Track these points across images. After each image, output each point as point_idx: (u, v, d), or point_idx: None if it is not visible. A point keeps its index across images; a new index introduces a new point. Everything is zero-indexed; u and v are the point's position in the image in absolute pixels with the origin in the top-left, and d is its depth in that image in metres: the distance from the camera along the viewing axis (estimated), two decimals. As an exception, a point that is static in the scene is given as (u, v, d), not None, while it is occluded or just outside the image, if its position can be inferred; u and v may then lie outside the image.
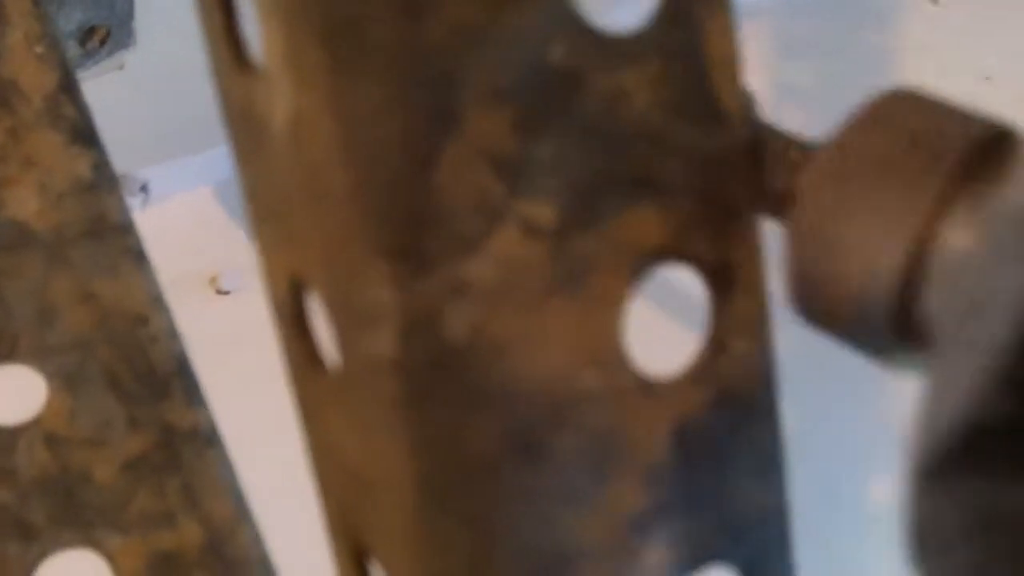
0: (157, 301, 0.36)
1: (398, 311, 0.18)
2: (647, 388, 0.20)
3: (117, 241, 0.36)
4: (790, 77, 0.89)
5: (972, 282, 0.15)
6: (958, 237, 0.16)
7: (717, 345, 0.21)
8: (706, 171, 0.20)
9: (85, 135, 0.36)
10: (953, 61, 0.90)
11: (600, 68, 0.18)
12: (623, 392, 0.20)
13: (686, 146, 0.19)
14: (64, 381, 0.33)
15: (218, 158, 0.74)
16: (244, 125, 0.20)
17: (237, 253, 0.76)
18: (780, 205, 0.18)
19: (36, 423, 0.32)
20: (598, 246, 0.19)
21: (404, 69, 0.17)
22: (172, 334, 0.36)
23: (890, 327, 0.16)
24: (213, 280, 0.77)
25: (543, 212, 0.18)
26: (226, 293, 0.77)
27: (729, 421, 0.21)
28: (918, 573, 0.16)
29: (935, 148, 0.16)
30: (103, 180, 0.36)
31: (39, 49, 0.36)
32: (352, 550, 0.23)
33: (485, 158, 0.18)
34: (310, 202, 0.19)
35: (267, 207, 0.21)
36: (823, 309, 0.17)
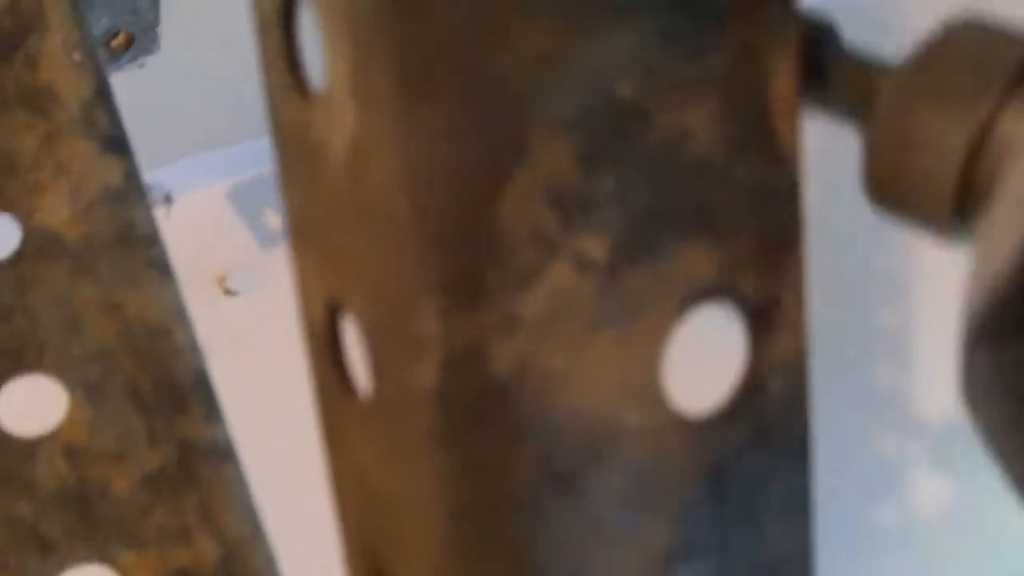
0: (180, 314, 0.36)
1: (444, 343, 0.18)
2: (684, 426, 0.20)
3: (143, 252, 0.36)
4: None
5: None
6: (1012, 126, 0.19)
7: (755, 384, 0.21)
8: (760, 208, 0.20)
9: (117, 143, 0.37)
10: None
11: (666, 106, 0.18)
12: (661, 429, 0.20)
13: (743, 183, 0.19)
14: (86, 392, 0.33)
15: (231, 157, 0.74)
16: (296, 148, 0.20)
17: (246, 254, 0.76)
18: (854, 111, 0.21)
19: (56, 434, 0.32)
20: (649, 282, 0.19)
21: (477, 96, 0.17)
22: (194, 347, 0.36)
23: (953, 205, 0.20)
24: (221, 280, 0.77)
25: (597, 246, 0.19)
26: (234, 294, 0.77)
27: (764, 461, 0.21)
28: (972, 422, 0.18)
29: (995, 59, 0.20)
30: (133, 189, 0.37)
31: (76, 56, 0.36)
32: (369, 572, 0.23)
33: (546, 190, 0.18)
34: (363, 229, 0.19)
35: (311, 230, 0.21)
36: (898, 194, 0.20)
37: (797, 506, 0.22)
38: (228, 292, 0.78)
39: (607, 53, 0.17)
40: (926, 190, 0.20)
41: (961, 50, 0.20)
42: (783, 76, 0.19)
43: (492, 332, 0.18)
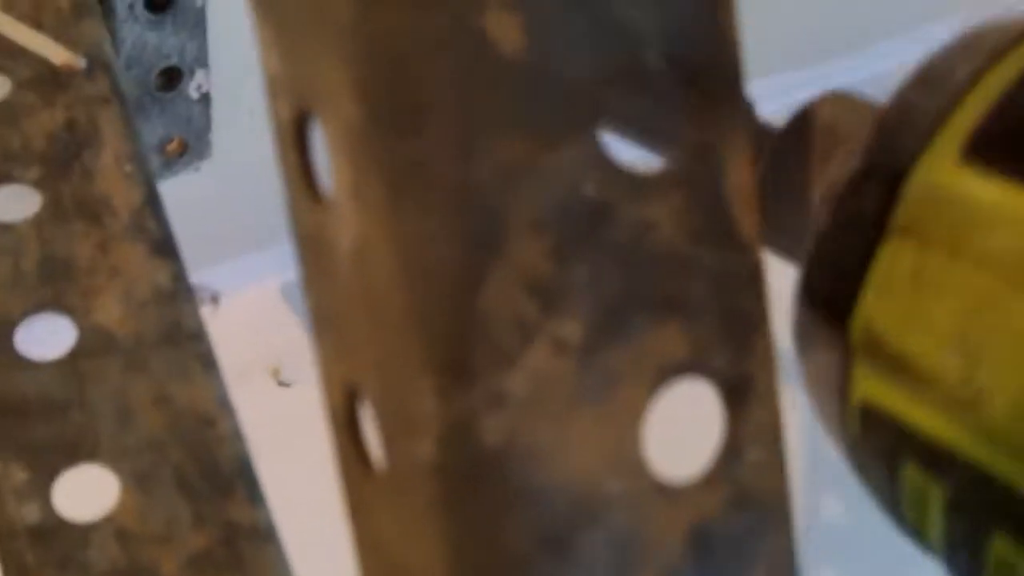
0: (224, 404, 0.38)
1: (439, 420, 0.20)
2: (664, 491, 0.22)
3: (190, 347, 0.38)
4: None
5: None
6: None
7: (732, 453, 0.23)
8: (726, 291, 0.22)
9: (166, 247, 0.39)
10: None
11: (629, 201, 0.21)
12: (642, 495, 0.21)
13: (708, 269, 0.21)
14: (137, 480, 0.35)
15: (282, 256, 0.77)
16: (312, 249, 0.23)
17: (299, 347, 0.79)
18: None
19: (109, 520, 0.35)
20: (623, 361, 0.21)
21: (456, 203, 0.20)
22: (237, 435, 0.38)
23: None
24: (276, 372, 0.81)
25: (573, 330, 0.21)
26: (287, 385, 0.81)
27: (744, 526, 0.23)
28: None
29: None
30: (180, 290, 0.39)
31: (128, 168, 0.39)
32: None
33: (523, 282, 0.20)
34: (368, 320, 0.21)
35: (328, 323, 0.23)
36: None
37: (783, 568, 0.24)
38: (282, 383, 0.81)
39: (570, 160, 0.20)
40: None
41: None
42: (739, 169, 0.21)
43: (481, 409, 0.20)
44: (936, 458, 0.24)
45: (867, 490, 0.27)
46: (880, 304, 0.24)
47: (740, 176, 0.21)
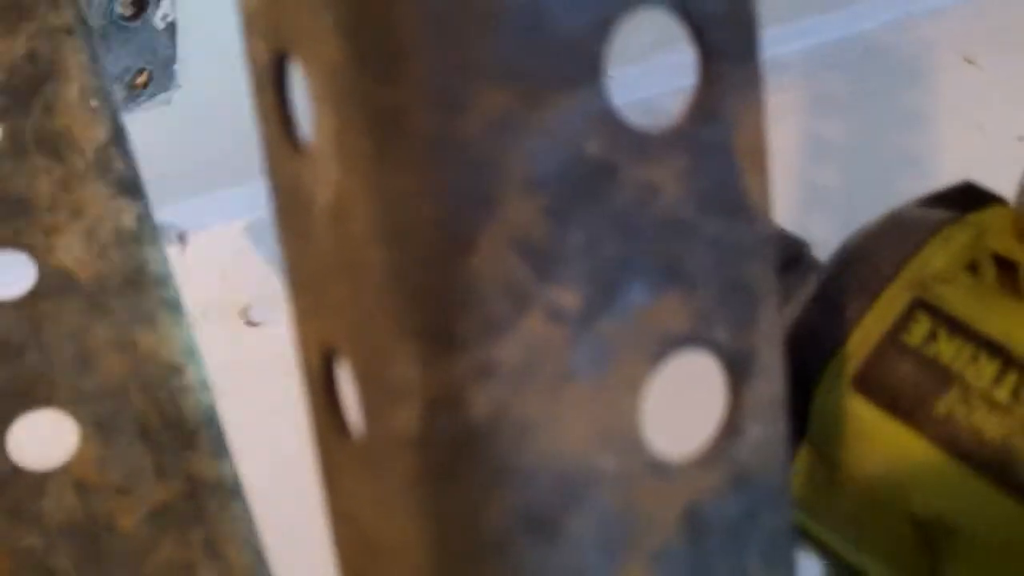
0: (191, 352, 0.37)
1: (423, 389, 0.19)
2: (660, 470, 0.20)
3: (156, 292, 0.37)
4: (821, 132, 0.90)
5: None
6: None
7: (732, 429, 0.21)
8: (730, 263, 0.20)
9: (131, 187, 0.38)
10: (988, 121, 0.91)
11: (633, 161, 0.19)
12: (637, 474, 0.20)
13: (713, 237, 0.20)
14: (96, 428, 0.34)
15: (251, 195, 0.76)
16: (289, 201, 0.21)
17: (267, 287, 0.78)
18: None
19: (66, 469, 0.33)
20: (622, 332, 0.20)
21: (442, 158, 0.18)
22: (204, 386, 0.37)
23: None
24: (243, 311, 0.80)
25: (569, 298, 0.19)
26: (255, 324, 0.80)
27: (742, 505, 0.21)
28: None
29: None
30: (145, 231, 0.38)
31: (94, 103, 0.37)
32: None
33: (517, 244, 0.19)
34: (347, 279, 0.20)
35: (305, 280, 0.22)
36: None
37: (780, 549, 0.23)
38: (250, 323, 0.80)
39: (568, 118, 0.18)
40: None
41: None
42: (751, 133, 0.19)
43: (468, 380, 0.19)
44: None
45: None
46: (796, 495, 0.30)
47: (753, 138, 0.20)
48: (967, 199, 0.33)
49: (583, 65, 0.18)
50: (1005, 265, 0.30)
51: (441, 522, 0.19)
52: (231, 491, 0.34)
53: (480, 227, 0.18)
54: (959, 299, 0.30)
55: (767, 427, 0.21)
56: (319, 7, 0.18)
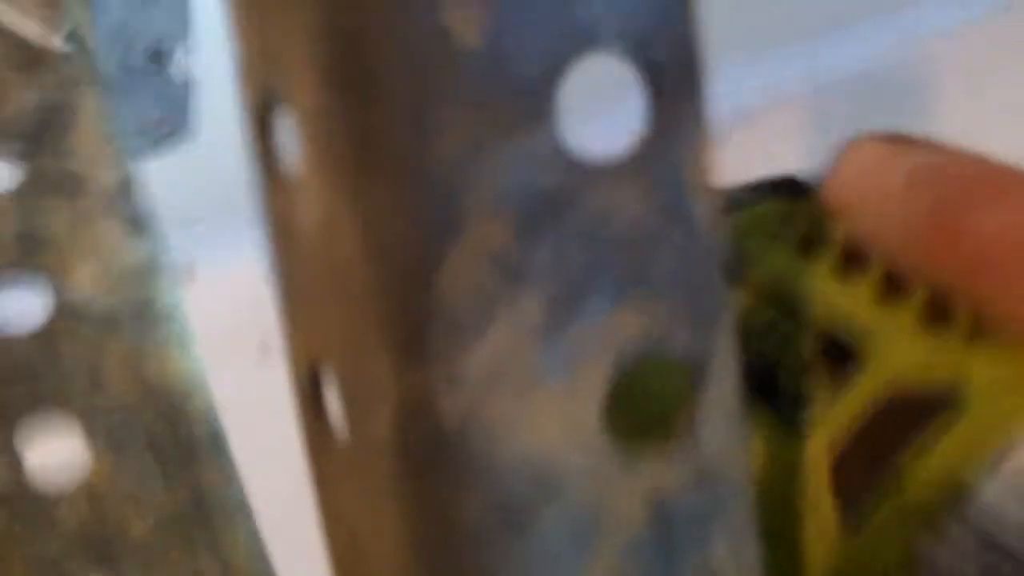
0: (200, 381, 0.39)
1: (396, 397, 0.20)
2: (626, 466, 0.22)
3: (165, 326, 0.39)
4: (825, 154, 0.91)
5: None
6: None
7: (692, 428, 0.23)
8: (689, 270, 0.22)
9: (143, 225, 0.40)
10: (994, 149, 0.91)
11: (591, 189, 0.21)
12: (603, 469, 0.22)
13: (673, 246, 0.22)
14: (108, 440, 0.36)
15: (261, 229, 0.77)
16: (279, 227, 0.23)
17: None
18: None
19: (81, 479, 0.35)
20: (587, 338, 0.21)
21: (414, 178, 0.20)
22: (212, 414, 0.38)
23: None
24: (260, 344, 0.82)
25: (536, 309, 0.21)
26: (270, 356, 0.82)
27: (703, 501, 0.23)
28: None
29: None
30: (157, 267, 0.40)
31: (107, 147, 0.40)
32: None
33: (485, 261, 0.20)
34: (333, 295, 0.21)
35: (295, 299, 0.23)
36: None
37: (744, 545, 0.24)
38: (266, 355, 0.82)
39: (525, 150, 0.20)
40: None
41: None
42: (697, 162, 0.21)
43: (439, 387, 0.20)
44: None
45: None
46: None
47: (698, 170, 0.21)
48: (790, 191, 0.33)
49: (535, 106, 0.20)
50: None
51: (418, 519, 0.21)
52: (237, 509, 0.36)
53: (449, 244, 0.20)
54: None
55: (726, 426, 0.23)
56: (303, 52, 0.20)
